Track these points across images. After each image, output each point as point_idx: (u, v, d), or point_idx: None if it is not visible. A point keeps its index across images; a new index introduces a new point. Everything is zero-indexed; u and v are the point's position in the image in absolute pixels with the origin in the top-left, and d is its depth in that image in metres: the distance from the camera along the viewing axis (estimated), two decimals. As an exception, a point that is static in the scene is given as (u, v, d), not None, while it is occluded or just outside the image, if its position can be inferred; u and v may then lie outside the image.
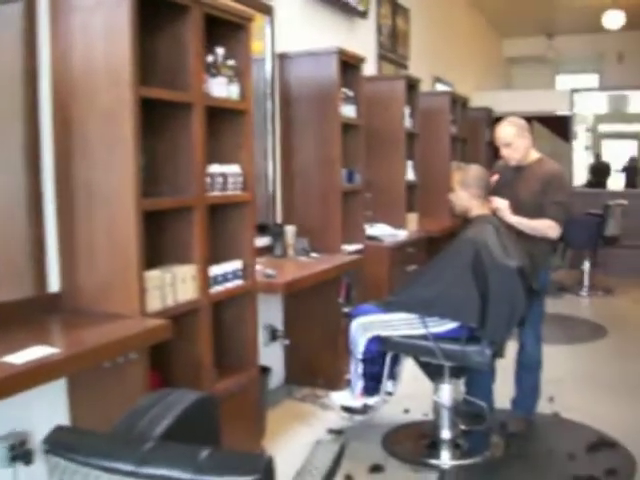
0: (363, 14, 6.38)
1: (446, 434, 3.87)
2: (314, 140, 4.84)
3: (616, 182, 12.88)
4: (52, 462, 1.56)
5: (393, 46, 7.42)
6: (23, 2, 2.81)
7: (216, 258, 3.43)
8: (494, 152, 4.27)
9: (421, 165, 6.53)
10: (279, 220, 4.90)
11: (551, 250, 4.24)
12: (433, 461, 3.79)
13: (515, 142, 4.00)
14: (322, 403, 4.50)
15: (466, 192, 3.79)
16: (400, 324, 3.66)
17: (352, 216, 5.14)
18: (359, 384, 3.86)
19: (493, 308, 3.45)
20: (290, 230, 4.68)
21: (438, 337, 3.59)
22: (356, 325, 3.79)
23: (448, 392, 3.83)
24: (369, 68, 6.18)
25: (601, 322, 6.97)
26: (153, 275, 2.94)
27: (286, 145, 4.92)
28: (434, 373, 3.83)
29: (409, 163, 6.26)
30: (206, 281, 3.23)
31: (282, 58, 4.87)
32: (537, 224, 3.93)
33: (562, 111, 11.25)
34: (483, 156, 8.93)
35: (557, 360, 5.21)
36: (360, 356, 3.78)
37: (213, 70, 3.31)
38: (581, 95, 11.73)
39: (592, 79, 14.47)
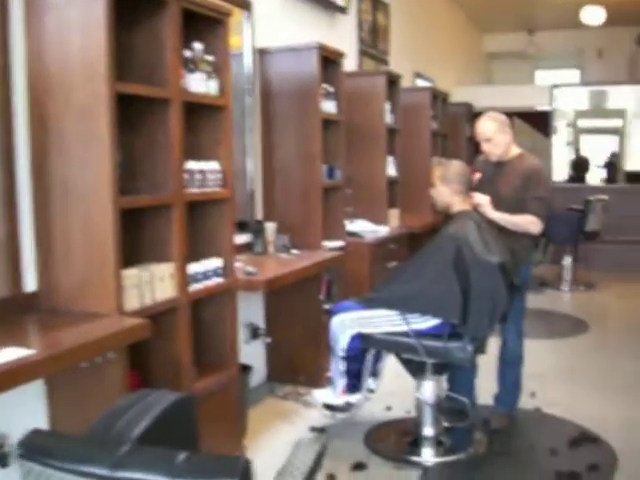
0: (343, 9, 6.35)
1: (429, 431, 3.86)
2: (294, 136, 4.81)
3: (595, 177, 12.92)
4: (26, 467, 1.53)
5: (374, 42, 7.39)
6: (-5, -4, 2.76)
7: (195, 256, 3.39)
8: (475, 147, 4.26)
9: (402, 161, 6.51)
10: (259, 217, 4.87)
11: (532, 245, 4.24)
12: (416, 458, 3.79)
13: (496, 137, 3.99)
14: (304, 401, 4.47)
15: (447, 188, 3.77)
16: (381, 321, 3.64)
17: (333, 212, 5.11)
18: (341, 382, 3.84)
19: (475, 304, 3.44)
20: (270, 227, 4.65)
21: (420, 334, 3.58)
22: (337, 322, 3.76)
23: (430, 389, 3.82)
24: (350, 64, 6.15)
25: (582, 317, 6.99)
26: (131, 273, 2.90)
27: (266, 141, 4.88)
28: (416, 370, 3.81)
29: (390, 159, 6.24)
30: (185, 279, 3.19)
31: (262, 53, 4.83)
32: (518, 220, 3.92)
33: (542, 106, 11.28)
34: (464, 151, 8.91)
35: (539, 355, 5.22)
36: (341, 353, 3.76)
37: (191, 65, 3.27)
38: (561, 90, 11.76)
39: (572, 75, 14.51)
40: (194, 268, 3.30)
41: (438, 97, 7.81)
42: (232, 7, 3.89)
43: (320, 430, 4.06)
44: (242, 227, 4.60)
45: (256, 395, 4.49)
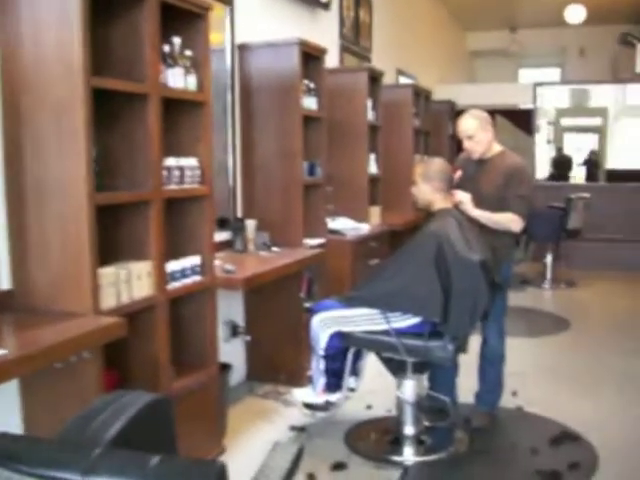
0: (325, 5, 6.32)
1: (409, 430, 3.84)
2: (275, 132, 4.77)
3: (578, 175, 12.98)
4: (-6, 473, 1.48)
5: (356, 38, 7.37)
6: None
7: (174, 253, 3.35)
8: (457, 145, 4.24)
9: (384, 158, 6.49)
10: (239, 214, 4.83)
11: (513, 243, 4.22)
12: (396, 458, 3.76)
13: (477, 135, 3.96)
14: (284, 400, 4.44)
15: (428, 185, 3.74)
16: (362, 320, 3.62)
17: (314, 210, 5.08)
18: (321, 380, 3.81)
19: (456, 303, 3.41)
20: (251, 224, 4.61)
21: (400, 332, 3.55)
22: (317, 321, 3.73)
23: (411, 388, 3.79)
24: (331, 60, 6.12)
25: (564, 315, 7.00)
26: (107, 272, 2.85)
27: (246, 138, 4.84)
28: (397, 369, 3.79)
29: (372, 156, 6.22)
30: (163, 277, 3.15)
31: (242, 49, 4.78)
32: (500, 218, 3.90)
33: (525, 104, 11.29)
34: (446, 149, 8.93)
35: (520, 353, 5.21)
36: (322, 352, 3.73)
37: (170, 60, 3.23)
38: (544, 89, 11.78)
39: (554, 73, 14.57)
40: (172, 266, 3.26)
41: (421, 94, 7.81)
42: (213, 2, 3.84)
43: (300, 429, 4.03)
44: (222, 224, 4.55)
45: (236, 394, 4.46)
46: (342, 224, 5.69)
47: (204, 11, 3.42)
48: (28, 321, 2.75)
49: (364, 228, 5.85)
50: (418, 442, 3.84)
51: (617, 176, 11.29)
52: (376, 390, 4.41)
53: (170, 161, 3.24)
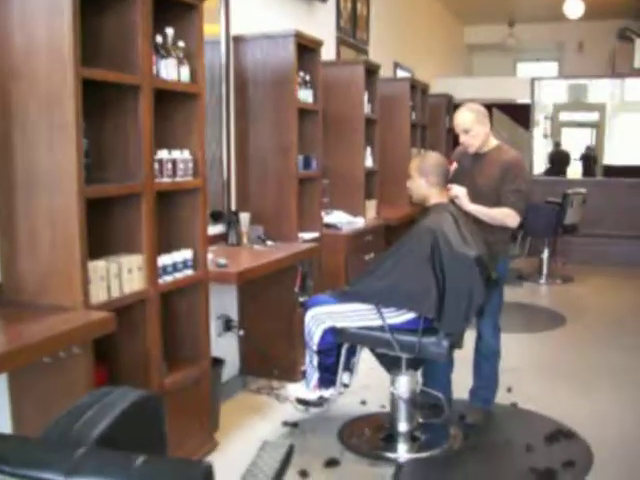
0: (322, -2, 6.27)
1: (403, 426, 3.81)
2: (270, 125, 4.72)
3: (575, 170, 12.95)
4: (-24, 473, 1.45)
5: (353, 31, 7.31)
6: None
7: (166, 247, 3.32)
8: (454, 139, 4.20)
9: (380, 152, 6.45)
10: (234, 207, 4.78)
11: (510, 238, 4.18)
12: (390, 454, 3.73)
13: (474, 128, 3.92)
14: (277, 395, 4.40)
15: (424, 180, 3.70)
16: (356, 315, 3.58)
17: (309, 203, 5.05)
18: (315, 376, 3.79)
19: (451, 299, 3.38)
20: (245, 217, 4.57)
21: (394, 328, 3.52)
22: (311, 316, 3.70)
23: (405, 384, 3.76)
24: (328, 53, 6.07)
25: (560, 310, 6.97)
26: (98, 265, 2.82)
27: (241, 130, 4.79)
28: (391, 364, 3.76)
29: (368, 150, 6.17)
30: (154, 271, 3.11)
31: (237, 41, 4.74)
32: (496, 213, 3.86)
33: (522, 99, 11.25)
34: (443, 143, 8.90)
35: (516, 349, 5.19)
36: (315, 348, 3.70)
37: (163, 51, 3.19)
38: (541, 83, 11.74)
39: (552, 67, 14.52)
40: (164, 260, 3.23)
41: (418, 88, 7.76)
42: (207, -8, 3.79)
43: (293, 425, 4.00)
44: (216, 217, 4.52)
45: (229, 389, 4.43)
46: (337, 218, 5.66)
47: (197, 2, 3.38)
48: (16, 315, 2.72)
49: (360, 222, 5.81)
50: (412, 438, 3.81)
51: (614, 171, 11.27)
52: (370, 385, 4.39)
53: (163, 153, 3.20)
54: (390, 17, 8.62)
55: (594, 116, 13.97)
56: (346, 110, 5.91)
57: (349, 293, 3.66)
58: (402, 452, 3.76)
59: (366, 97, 6.05)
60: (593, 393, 4.62)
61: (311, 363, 3.78)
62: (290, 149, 4.70)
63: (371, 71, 6.23)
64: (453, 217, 3.59)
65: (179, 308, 3.53)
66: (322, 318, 3.66)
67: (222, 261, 3.79)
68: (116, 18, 2.97)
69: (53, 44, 2.64)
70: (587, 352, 5.60)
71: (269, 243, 4.59)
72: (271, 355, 4.62)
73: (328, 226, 5.39)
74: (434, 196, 3.72)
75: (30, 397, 2.83)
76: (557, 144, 13.36)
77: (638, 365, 5.22)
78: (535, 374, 5.01)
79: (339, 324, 3.64)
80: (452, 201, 3.80)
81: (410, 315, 3.49)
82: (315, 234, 5.06)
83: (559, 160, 12.80)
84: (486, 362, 4.16)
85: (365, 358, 3.93)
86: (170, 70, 3.22)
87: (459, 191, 3.83)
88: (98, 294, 2.81)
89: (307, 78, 4.94)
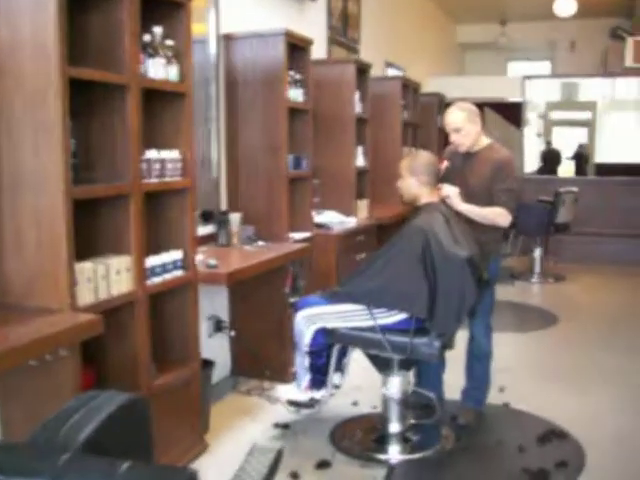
0: (313, -4, 6.24)
1: (395, 427, 3.78)
2: (260, 125, 4.69)
3: (567, 169, 12.97)
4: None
5: (344, 29, 7.29)
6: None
7: (155, 248, 3.29)
8: (446, 138, 4.18)
9: (372, 151, 6.42)
10: (224, 207, 4.75)
11: (501, 238, 4.16)
12: (381, 456, 3.70)
13: (465, 127, 3.90)
14: (269, 396, 4.37)
15: (415, 179, 3.68)
16: (347, 316, 3.56)
17: (299, 203, 5.02)
18: (306, 377, 3.77)
19: (442, 299, 3.36)
20: (235, 218, 4.53)
21: (386, 329, 3.50)
22: (301, 317, 3.67)
23: (397, 384, 3.74)
24: (319, 51, 6.05)
25: (552, 309, 6.96)
26: (85, 267, 2.79)
27: (231, 130, 4.76)
28: (382, 365, 3.74)
29: (359, 149, 6.14)
30: (143, 272, 3.08)
31: (227, 39, 4.70)
32: (487, 212, 3.84)
33: (514, 98, 11.26)
34: (435, 142, 8.86)
35: (508, 348, 5.17)
36: (306, 349, 3.68)
37: (150, 50, 3.15)
38: (533, 82, 11.75)
39: (544, 66, 14.53)
40: (153, 261, 3.19)
41: (409, 87, 7.73)
42: (196, -9, 3.76)
43: (284, 426, 3.97)
44: (206, 217, 4.49)
45: (219, 390, 4.40)
46: (329, 218, 5.63)
47: (185, 0, 3.34)
48: (3, 318, 2.67)
49: (351, 222, 5.78)
50: (404, 440, 3.79)
51: (606, 170, 11.29)
52: (361, 386, 4.36)
53: (151, 153, 3.17)
54: (382, 16, 8.60)
55: (586, 115, 14.00)
56: (337, 109, 5.88)
57: (340, 294, 3.63)
58: (394, 453, 3.74)
59: (357, 96, 6.02)
60: (585, 393, 4.61)
61: (302, 364, 3.75)
62: (280, 148, 4.67)
63: (362, 70, 6.20)
64: (444, 217, 3.57)
65: (168, 309, 3.50)
66: (313, 319, 3.63)
67: (212, 262, 3.76)
68: (103, 16, 2.94)
69: (38, 40, 2.60)
70: (579, 351, 5.58)
71: (260, 243, 4.56)
72: (262, 356, 4.59)
73: (319, 226, 5.36)
74: (425, 195, 3.69)
75: (17, 400, 2.79)
76: (548, 143, 13.39)
77: (630, 364, 5.21)
78: (527, 374, 4.99)
79: (330, 325, 3.61)
80: (443, 201, 3.78)
81: (401, 315, 3.46)
82: (306, 234, 5.03)
83: (551, 159, 12.82)
84: (478, 362, 4.14)
85: (356, 359, 3.91)
86: (158, 69, 3.18)
87: (450, 191, 3.81)
88: (85, 296, 2.77)
89: (297, 77, 4.91)
